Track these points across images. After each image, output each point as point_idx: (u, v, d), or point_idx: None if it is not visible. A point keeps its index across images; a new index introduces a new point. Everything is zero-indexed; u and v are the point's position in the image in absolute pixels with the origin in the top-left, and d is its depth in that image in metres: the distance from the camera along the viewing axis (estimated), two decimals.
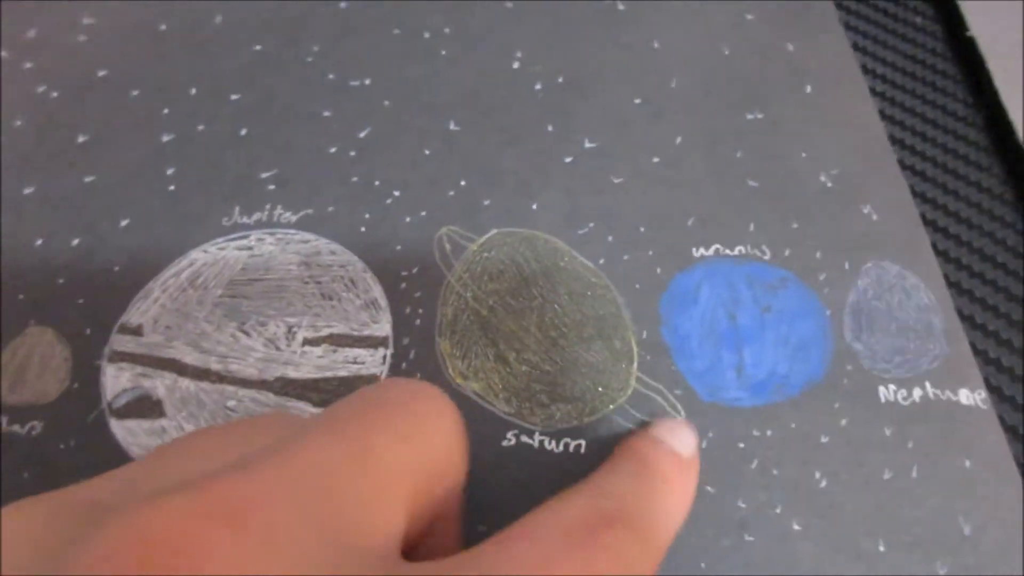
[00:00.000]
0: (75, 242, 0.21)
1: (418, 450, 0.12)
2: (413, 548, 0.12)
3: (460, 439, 0.13)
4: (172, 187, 0.22)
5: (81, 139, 0.23)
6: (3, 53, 0.24)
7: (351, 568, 0.10)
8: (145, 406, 0.19)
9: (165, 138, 0.23)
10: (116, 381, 0.19)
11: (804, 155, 0.22)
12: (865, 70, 0.24)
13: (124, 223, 0.21)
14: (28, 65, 0.24)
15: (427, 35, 0.25)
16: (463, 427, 0.13)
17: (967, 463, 0.17)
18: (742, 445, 0.18)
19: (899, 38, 0.24)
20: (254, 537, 0.09)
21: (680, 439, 0.16)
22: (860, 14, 0.25)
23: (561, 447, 0.18)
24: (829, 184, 0.21)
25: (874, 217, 0.21)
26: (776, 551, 0.17)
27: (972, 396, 0.18)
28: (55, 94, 0.23)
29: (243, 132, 0.23)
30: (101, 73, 0.24)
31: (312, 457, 0.10)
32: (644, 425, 0.17)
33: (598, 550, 0.11)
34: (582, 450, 0.18)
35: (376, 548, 0.10)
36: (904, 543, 0.17)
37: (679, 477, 0.15)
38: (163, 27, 0.25)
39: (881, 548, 0.17)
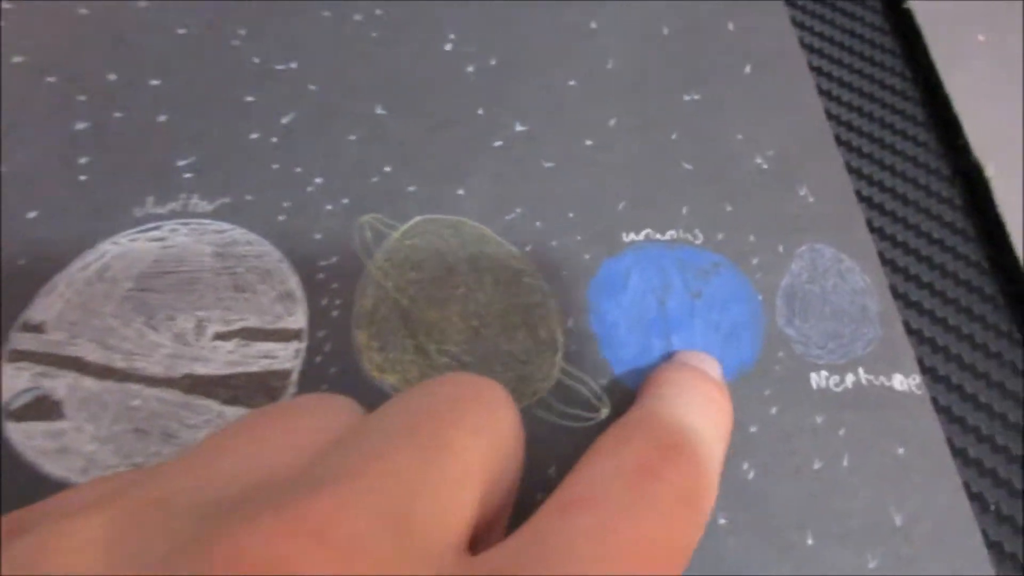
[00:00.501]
0: None
1: (490, 443, 0.11)
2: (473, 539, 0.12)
3: (521, 429, 0.13)
4: (84, 177, 0.21)
5: None
6: None
7: (430, 568, 0.10)
8: (44, 408, 0.18)
9: (79, 126, 0.22)
10: (14, 381, 0.18)
11: (741, 136, 0.21)
12: (802, 44, 0.23)
13: (31, 215, 0.20)
14: None
15: (358, 17, 0.24)
16: (520, 418, 0.13)
17: (900, 451, 0.17)
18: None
19: (837, 11, 0.24)
20: (342, 554, 0.09)
21: (709, 364, 0.16)
22: None
23: None
24: (765, 166, 0.20)
25: (810, 199, 0.20)
26: (701, 546, 0.16)
27: (906, 382, 0.17)
28: None
29: (161, 119, 0.22)
30: (16, 59, 0.23)
31: (395, 464, 0.10)
32: (669, 356, 0.17)
33: (664, 486, 0.11)
34: None
35: (452, 545, 0.10)
36: (834, 535, 0.16)
37: (720, 395, 0.15)
38: (84, 11, 0.24)
39: (810, 541, 0.16)
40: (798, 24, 0.23)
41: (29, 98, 0.22)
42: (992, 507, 0.16)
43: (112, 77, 0.23)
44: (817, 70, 0.23)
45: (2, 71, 0.22)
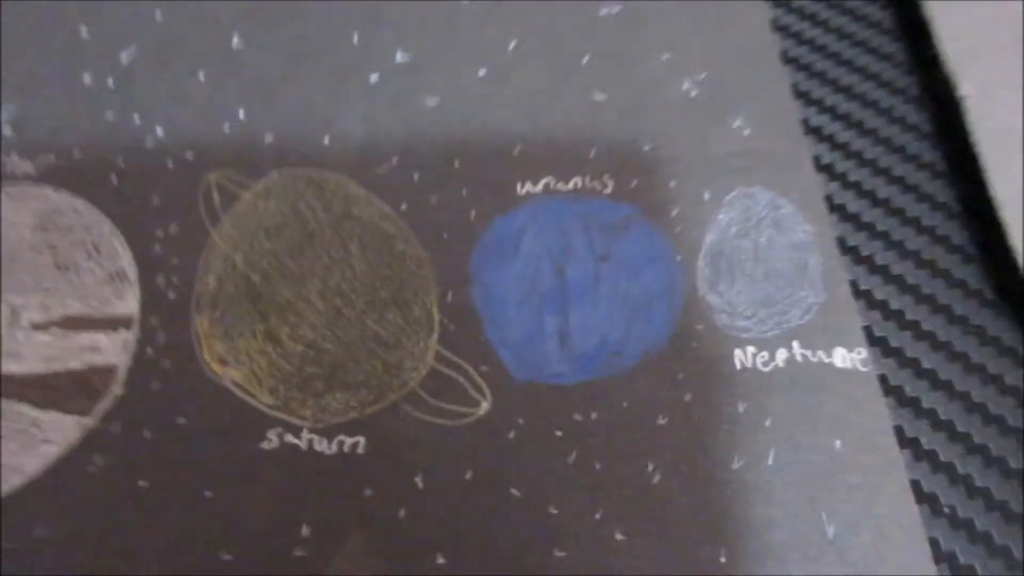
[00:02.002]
0: None
1: None
2: None
3: None
4: None
5: None
6: None
7: None
8: None
9: None
10: None
11: (666, 56, 0.17)
12: None
13: None
14: None
15: None
16: None
17: (837, 444, 0.14)
18: (559, 434, 0.14)
19: None
20: None
21: None
22: None
23: (334, 447, 0.14)
24: (694, 92, 0.17)
25: (745, 131, 0.16)
26: (594, 567, 0.13)
27: (849, 356, 0.14)
28: None
29: None
30: None
31: None
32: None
33: None
34: (359, 450, 0.14)
35: None
36: (752, 552, 0.13)
37: None
38: None
39: (723, 559, 0.13)
40: None
41: None
42: (946, 511, 0.14)
43: None
44: None
45: None
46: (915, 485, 0.14)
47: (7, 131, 0.17)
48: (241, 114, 0.17)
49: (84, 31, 0.18)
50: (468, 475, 0.14)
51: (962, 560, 0.13)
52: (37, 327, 0.16)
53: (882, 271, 0.15)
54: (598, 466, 0.14)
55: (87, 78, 0.18)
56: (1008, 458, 0.14)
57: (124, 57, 0.18)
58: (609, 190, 0.16)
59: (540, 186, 0.16)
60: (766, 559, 0.13)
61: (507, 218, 0.16)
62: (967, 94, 0.16)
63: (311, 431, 0.14)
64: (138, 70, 0.18)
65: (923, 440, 0.14)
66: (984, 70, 0.16)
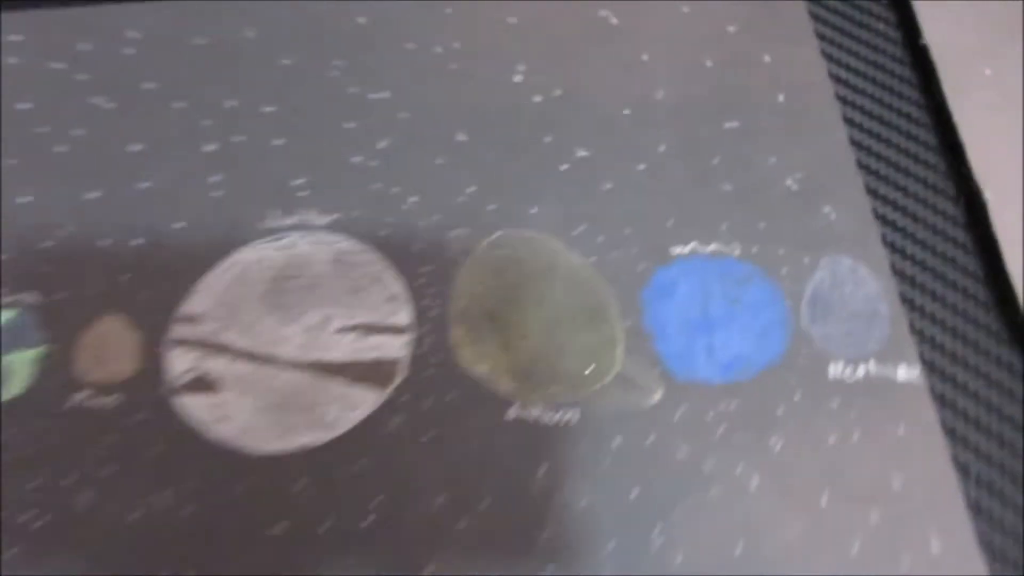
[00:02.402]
0: (136, 242, 0.25)
1: None
2: None
3: None
4: (217, 193, 0.25)
5: (134, 148, 0.26)
6: (57, 65, 0.28)
7: None
8: (204, 384, 0.22)
9: (207, 148, 0.26)
10: (179, 362, 0.23)
11: (774, 160, 0.25)
12: (830, 75, 0.27)
13: (178, 226, 0.25)
14: (82, 77, 0.28)
15: (439, 49, 0.28)
16: None
17: (900, 431, 0.21)
18: (710, 415, 0.21)
19: (863, 45, 0.27)
20: None
21: None
22: (827, 22, 0.28)
23: (555, 417, 0.21)
24: (795, 187, 0.25)
25: (832, 216, 0.24)
26: (735, 505, 0.20)
27: (909, 372, 0.22)
28: (110, 105, 0.27)
29: (276, 143, 0.26)
30: (147, 86, 0.28)
31: None
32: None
33: None
34: (573, 421, 0.21)
35: None
36: (844, 496, 0.20)
37: None
38: (200, 41, 0.28)
39: (824, 502, 0.20)
40: (827, 56, 0.27)
41: (162, 121, 0.26)
42: (973, 474, 0.21)
43: (230, 104, 0.27)
44: (842, 100, 0.26)
45: (139, 97, 0.27)
46: (953, 458, 0.21)
47: (302, 194, 0.25)
48: (470, 189, 0.25)
49: (350, 124, 0.26)
50: (650, 439, 0.21)
51: (983, 506, 0.20)
52: (341, 331, 0.23)
53: (930, 316, 0.23)
54: (736, 438, 0.21)
55: (355, 158, 0.26)
56: None
57: (380, 144, 0.26)
58: (737, 253, 0.23)
59: (688, 248, 0.23)
60: (853, 501, 0.20)
61: (665, 269, 0.23)
62: (989, 198, 0.23)
63: (535, 409, 0.21)
64: (392, 154, 0.26)
65: (958, 430, 0.21)
66: (1004, 181, 0.23)
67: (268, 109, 0.27)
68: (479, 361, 0.22)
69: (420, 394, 0.22)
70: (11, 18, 0.28)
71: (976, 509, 0.20)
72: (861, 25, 0.28)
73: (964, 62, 0.26)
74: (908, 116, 0.26)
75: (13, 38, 0.28)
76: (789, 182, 0.24)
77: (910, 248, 0.24)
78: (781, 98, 0.26)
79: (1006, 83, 0.25)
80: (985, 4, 0.27)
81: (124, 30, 0.28)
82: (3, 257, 0.24)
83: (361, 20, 0.28)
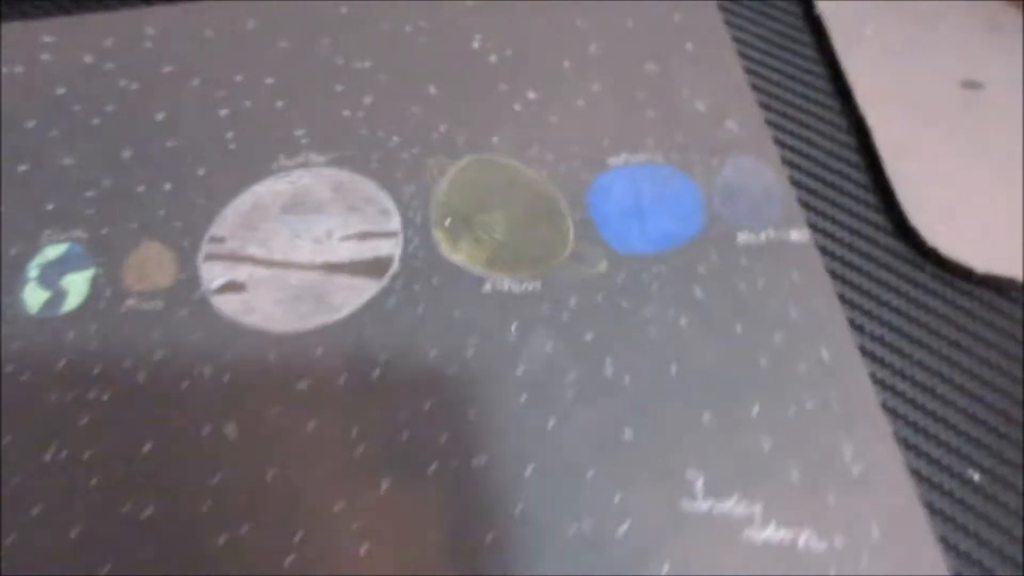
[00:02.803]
0: (166, 187, 0.30)
1: None
2: None
3: None
4: (232, 146, 0.31)
5: (159, 116, 0.32)
6: (87, 58, 0.33)
7: None
8: (233, 286, 0.27)
9: (221, 112, 0.32)
10: (211, 271, 0.28)
11: (685, 92, 0.31)
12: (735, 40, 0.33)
13: (201, 172, 0.30)
14: (109, 66, 0.33)
15: (408, 28, 0.34)
16: None
17: (795, 276, 0.27)
18: (645, 276, 0.27)
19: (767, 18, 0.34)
20: None
21: None
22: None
23: (522, 288, 0.27)
24: (703, 109, 0.31)
25: (734, 128, 0.30)
26: (668, 340, 0.26)
27: (800, 234, 0.27)
28: (135, 86, 0.32)
29: (278, 105, 0.32)
30: (166, 69, 0.33)
31: None
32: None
33: None
34: (537, 289, 0.27)
35: None
36: (752, 327, 0.26)
37: None
38: (209, 33, 0.34)
39: (738, 330, 0.26)
40: (732, 27, 0.34)
41: (182, 96, 0.32)
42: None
43: (238, 78, 0.33)
44: (744, 56, 0.33)
45: (160, 78, 0.32)
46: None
47: (304, 141, 0.31)
48: (442, 128, 0.31)
49: (339, 87, 0.32)
50: (599, 298, 0.26)
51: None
52: (344, 239, 0.28)
53: (816, 210, 0.29)
54: (666, 290, 0.26)
55: (345, 112, 0.31)
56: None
57: (366, 100, 0.32)
58: (660, 159, 0.29)
59: (621, 159, 0.29)
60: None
61: (604, 176, 0.29)
62: (872, 124, 0.30)
63: (506, 283, 0.27)
64: (375, 108, 0.31)
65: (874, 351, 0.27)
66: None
67: (269, 81, 0.32)
68: (456, 253, 0.28)
69: (410, 280, 0.27)
70: (44, 25, 0.34)
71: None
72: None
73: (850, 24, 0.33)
74: (804, 68, 0.32)
75: (46, 39, 0.34)
76: (699, 106, 0.31)
77: (801, 159, 0.30)
78: (689, 46, 0.33)
79: (885, 39, 0.32)
80: None
81: (143, 27, 0.34)
82: (50, 207, 0.29)
83: (344, 10, 0.34)
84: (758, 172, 0.29)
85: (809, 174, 0.29)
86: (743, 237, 0.27)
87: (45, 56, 0.34)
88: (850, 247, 0.28)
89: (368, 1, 0.34)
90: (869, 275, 0.27)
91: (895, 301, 0.27)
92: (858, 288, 0.27)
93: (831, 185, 0.29)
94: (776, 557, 0.22)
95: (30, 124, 0.32)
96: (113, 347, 0.26)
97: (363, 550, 0.22)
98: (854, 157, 0.30)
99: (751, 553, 0.22)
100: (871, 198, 0.29)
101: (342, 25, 0.34)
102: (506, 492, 0.23)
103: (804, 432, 0.24)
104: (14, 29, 0.35)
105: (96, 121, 0.32)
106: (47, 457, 0.24)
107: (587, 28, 0.33)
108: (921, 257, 0.27)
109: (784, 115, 0.31)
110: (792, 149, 0.30)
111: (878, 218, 0.28)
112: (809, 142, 0.30)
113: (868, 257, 0.28)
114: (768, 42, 0.33)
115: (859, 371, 0.24)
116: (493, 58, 0.32)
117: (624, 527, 0.22)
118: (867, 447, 0.23)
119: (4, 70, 0.33)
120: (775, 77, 0.32)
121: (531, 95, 0.31)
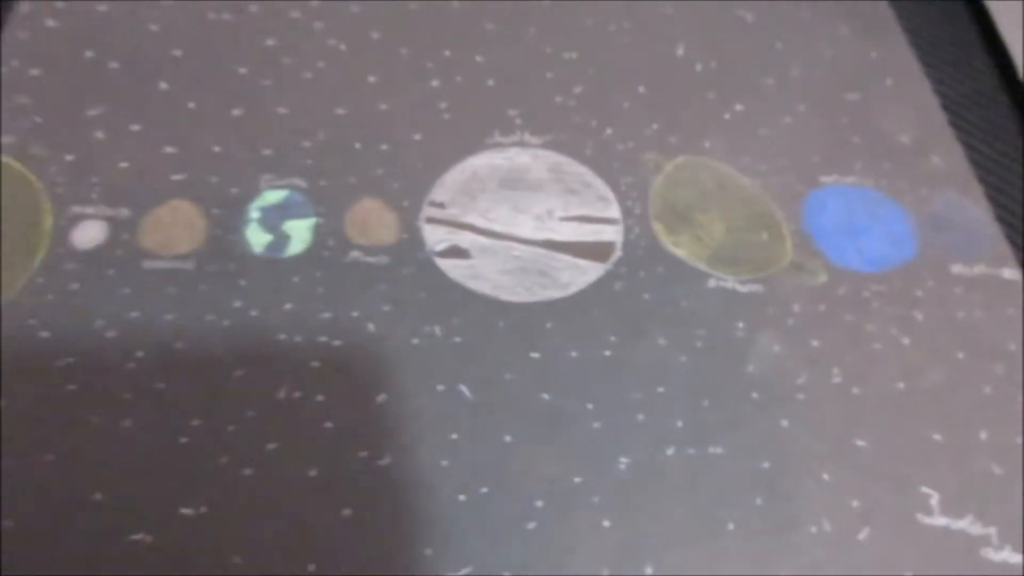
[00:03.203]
0: (383, 147, 0.30)
1: None
2: None
3: None
4: (447, 116, 0.31)
5: (371, 79, 0.32)
6: (295, 14, 0.33)
7: None
8: (457, 251, 0.28)
9: (434, 83, 0.32)
10: (434, 234, 0.28)
11: (888, 124, 0.32)
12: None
13: (417, 137, 0.31)
14: (318, 24, 0.33)
15: (612, 27, 0.35)
16: None
17: (1009, 310, 0.27)
18: (865, 293, 0.27)
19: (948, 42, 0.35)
20: None
21: None
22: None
23: (747, 288, 0.27)
24: (907, 142, 0.31)
25: (940, 164, 0.31)
26: (892, 354, 0.26)
27: (1012, 273, 0.28)
28: (343, 47, 0.33)
29: (489, 83, 0.32)
30: (374, 35, 0.33)
31: None
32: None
33: None
34: (760, 291, 0.27)
35: None
36: (975, 353, 0.26)
37: None
38: (413, 6, 0.34)
39: (960, 356, 0.26)
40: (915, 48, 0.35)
41: (394, 68, 0.32)
42: None
43: (447, 53, 0.33)
44: (932, 79, 0.34)
45: (368, 43, 0.32)
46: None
47: (519, 120, 0.31)
48: (655, 125, 0.31)
49: (549, 74, 0.33)
50: (822, 307, 0.27)
51: None
52: (564, 219, 0.29)
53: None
54: (886, 308, 0.27)
55: (558, 98, 0.32)
56: None
57: (576, 90, 0.32)
58: (870, 184, 0.30)
59: (832, 178, 0.30)
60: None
61: (817, 190, 0.29)
62: None
63: (729, 281, 0.27)
64: (588, 96, 0.32)
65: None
66: None
67: (479, 59, 0.33)
68: (678, 248, 0.28)
69: (634, 267, 0.27)
70: None
71: None
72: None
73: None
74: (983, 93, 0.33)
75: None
76: (903, 138, 0.31)
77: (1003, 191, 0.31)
78: (889, 82, 0.33)
79: None
80: None
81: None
82: (267, 152, 0.29)
83: (547, 2, 0.35)
84: (966, 208, 0.29)
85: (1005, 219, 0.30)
86: (956, 268, 0.28)
87: (253, 8, 0.34)
88: None
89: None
90: None
91: None
92: None
93: None
94: None
95: (242, 71, 0.32)
96: (341, 295, 0.26)
97: (605, 523, 0.22)
98: None
99: (989, 570, 0.22)
100: None
101: (547, 16, 0.35)
102: (742, 483, 0.23)
103: None
104: None
105: (308, 75, 0.32)
106: (280, 395, 0.24)
107: (786, 51, 0.34)
108: None
109: (976, 162, 0.32)
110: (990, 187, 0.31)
111: None
112: (999, 188, 0.31)
113: None
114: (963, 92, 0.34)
115: None
116: (699, 67, 0.33)
117: (864, 532, 0.23)
118: None
119: (211, 16, 0.33)
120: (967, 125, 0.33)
121: (739, 107, 0.32)
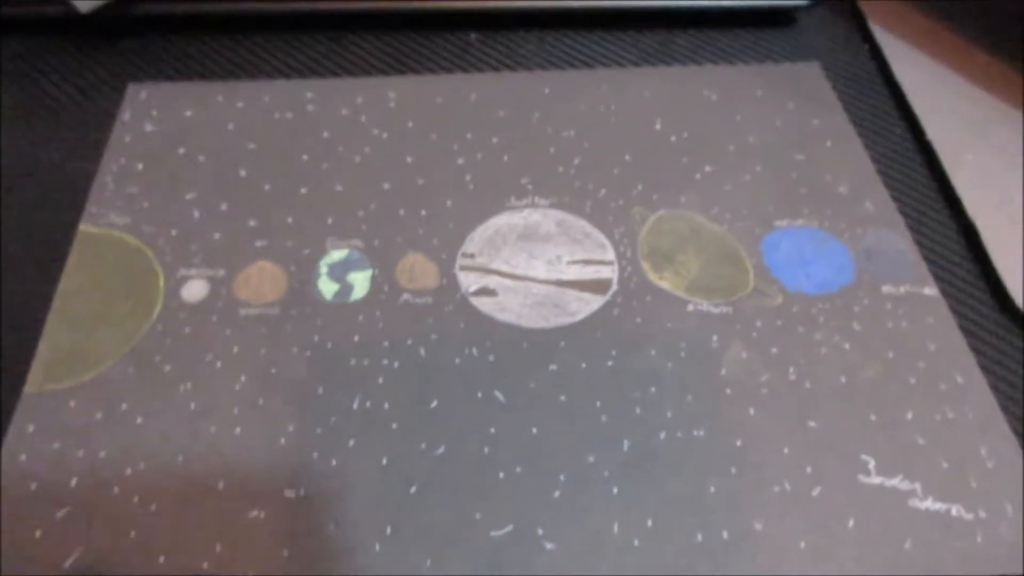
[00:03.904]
0: (422, 213, 0.38)
1: None
2: None
3: None
4: (471, 187, 0.39)
5: (408, 159, 0.40)
6: (344, 111, 0.42)
7: None
8: (487, 291, 0.35)
9: (459, 161, 0.40)
10: (467, 279, 0.36)
11: (829, 178, 0.40)
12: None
13: (448, 203, 0.38)
14: (363, 118, 0.42)
15: (602, 108, 0.43)
16: None
17: (930, 320, 0.35)
18: (814, 310, 0.35)
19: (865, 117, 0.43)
20: None
21: None
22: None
23: (717, 310, 0.35)
24: (844, 192, 0.39)
25: (870, 208, 0.39)
26: (836, 357, 0.33)
27: (931, 290, 0.35)
28: (385, 135, 0.41)
29: (505, 159, 0.40)
30: (408, 124, 0.42)
31: None
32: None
33: None
34: (729, 316, 0.35)
35: None
36: (904, 355, 0.33)
37: None
38: (439, 100, 0.43)
39: (890, 356, 0.33)
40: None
41: (427, 150, 0.40)
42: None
43: (469, 135, 0.41)
44: (864, 139, 0.42)
45: (404, 131, 0.41)
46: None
47: (530, 187, 0.39)
48: (639, 187, 0.39)
49: (551, 149, 0.41)
50: (779, 322, 0.34)
51: None
52: (571, 263, 0.36)
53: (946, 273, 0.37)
54: (831, 321, 0.34)
55: (560, 168, 0.40)
56: None
57: (576, 161, 0.40)
58: (816, 225, 0.38)
59: (784, 222, 0.38)
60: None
61: (771, 233, 0.37)
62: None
63: (704, 305, 0.35)
64: (584, 167, 0.40)
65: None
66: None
67: (495, 140, 0.41)
68: (662, 281, 0.36)
69: (628, 297, 0.35)
70: (306, 84, 0.43)
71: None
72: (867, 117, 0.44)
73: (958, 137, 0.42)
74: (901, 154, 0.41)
75: (308, 95, 0.43)
76: (841, 189, 0.39)
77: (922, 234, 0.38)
78: (828, 144, 0.42)
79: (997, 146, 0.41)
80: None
81: (387, 92, 0.43)
82: (330, 220, 0.37)
83: (547, 90, 0.44)
84: (893, 242, 0.37)
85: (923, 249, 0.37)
86: (886, 288, 0.35)
87: (310, 107, 0.42)
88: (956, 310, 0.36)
89: (566, 83, 0.43)
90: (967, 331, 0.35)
91: (991, 350, 0.34)
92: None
93: (941, 261, 0.37)
94: (934, 523, 0.29)
95: (304, 158, 0.40)
96: (396, 328, 0.33)
97: (614, 490, 0.29)
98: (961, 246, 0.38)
99: (915, 517, 0.29)
100: (971, 266, 0.37)
101: (548, 102, 0.43)
102: (724, 458, 0.30)
103: (949, 434, 0.31)
104: (280, 86, 0.44)
105: (357, 159, 0.40)
106: (355, 405, 0.31)
107: (744, 122, 0.42)
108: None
109: (900, 206, 0.39)
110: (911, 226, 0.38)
111: (982, 292, 0.36)
112: (918, 225, 0.39)
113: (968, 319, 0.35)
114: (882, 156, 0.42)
115: (985, 392, 0.32)
116: (673, 138, 0.41)
117: (816, 490, 0.29)
118: (998, 448, 0.31)
119: (276, 115, 0.42)
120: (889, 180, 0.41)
121: (708, 168, 0.40)
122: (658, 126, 0.42)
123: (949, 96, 0.44)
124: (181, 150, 0.40)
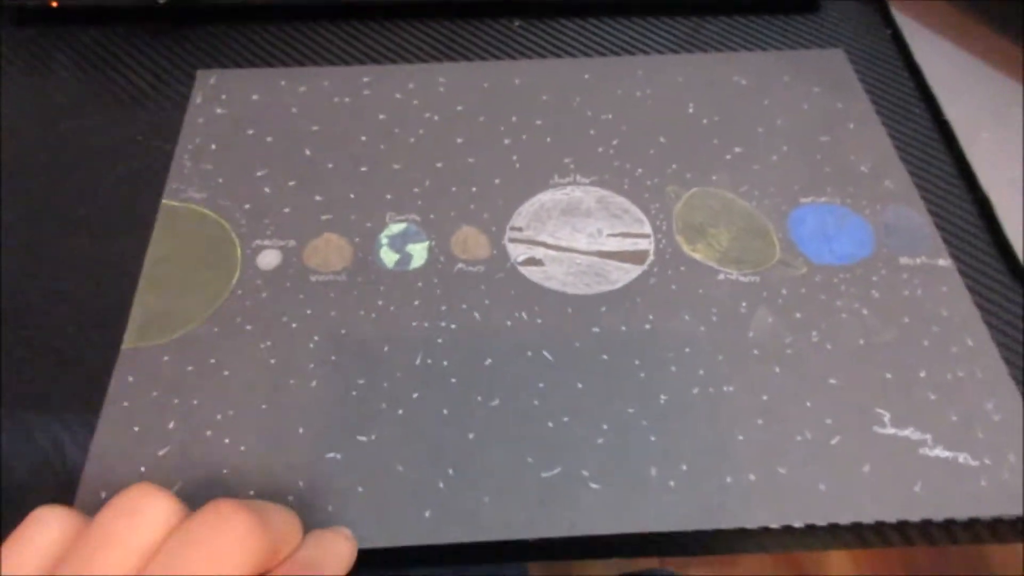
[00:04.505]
0: (473, 189, 0.41)
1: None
2: None
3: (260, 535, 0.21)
4: (518, 166, 0.42)
5: (459, 140, 0.43)
6: (398, 95, 0.45)
7: None
8: (534, 261, 0.38)
9: (506, 141, 0.43)
10: (515, 250, 0.39)
11: (852, 158, 0.43)
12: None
13: (497, 181, 0.42)
14: (415, 102, 0.45)
15: (638, 94, 0.46)
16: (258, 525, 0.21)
17: (944, 288, 0.37)
18: (835, 279, 0.38)
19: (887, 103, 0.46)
20: None
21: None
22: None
23: (746, 279, 0.38)
24: (866, 171, 0.42)
25: (891, 186, 0.41)
26: (854, 323, 0.36)
27: (945, 261, 0.38)
28: (436, 118, 0.44)
29: (548, 140, 0.44)
30: (458, 108, 0.45)
31: None
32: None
33: None
34: (757, 281, 0.38)
35: None
36: (918, 318, 0.36)
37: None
38: (486, 85, 0.46)
39: (905, 320, 0.36)
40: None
41: (476, 131, 0.44)
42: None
43: (514, 118, 0.45)
44: (887, 127, 0.45)
45: (454, 114, 0.44)
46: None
47: (572, 167, 0.42)
48: (674, 166, 0.42)
49: (592, 131, 0.44)
50: (803, 289, 0.37)
51: None
52: (611, 236, 0.40)
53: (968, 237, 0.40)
54: (851, 288, 0.37)
55: (599, 149, 0.43)
56: None
57: (615, 141, 0.43)
58: (838, 202, 0.41)
59: (809, 199, 0.41)
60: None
61: (797, 208, 0.40)
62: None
63: (734, 274, 0.38)
64: (624, 149, 0.43)
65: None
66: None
67: (538, 122, 0.44)
68: (695, 252, 0.39)
69: (664, 267, 0.38)
70: (362, 69, 0.46)
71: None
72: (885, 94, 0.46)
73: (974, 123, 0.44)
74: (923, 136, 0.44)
75: (365, 79, 0.46)
76: (863, 168, 0.42)
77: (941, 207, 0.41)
78: (851, 126, 0.44)
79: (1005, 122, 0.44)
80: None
81: (437, 77, 0.46)
82: (389, 196, 0.41)
83: (586, 76, 0.47)
84: (911, 217, 0.40)
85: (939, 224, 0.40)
86: (904, 260, 0.38)
87: (366, 92, 0.46)
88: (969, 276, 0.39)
89: (604, 69, 0.46)
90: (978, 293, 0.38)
91: (1003, 312, 0.37)
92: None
93: (957, 232, 0.40)
94: (943, 469, 0.32)
95: (363, 138, 0.43)
96: (453, 294, 0.37)
97: (652, 438, 0.32)
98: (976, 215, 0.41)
99: (926, 464, 0.32)
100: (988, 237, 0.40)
101: (587, 87, 0.46)
102: (751, 410, 0.33)
103: (958, 391, 0.34)
104: (338, 72, 0.47)
105: (412, 140, 0.43)
106: (417, 362, 0.35)
107: (772, 106, 0.45)
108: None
109: (917, 183, 0.42)
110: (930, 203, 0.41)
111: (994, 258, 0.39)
112: (935, 199, 0.41)
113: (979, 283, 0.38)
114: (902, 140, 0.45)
115: (994, 353, 0.35)
116: (705, 120, 0.44)
117: (836, 439, 0.33)
118: (1003, 403, 0.34)
119: (335, 99, 0.45)
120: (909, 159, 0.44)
121: (737, 149, 0.43)
122: (691, 109, 0.45)
123: (967, 78, 0.46)
124: (250, 131, 0.43)
